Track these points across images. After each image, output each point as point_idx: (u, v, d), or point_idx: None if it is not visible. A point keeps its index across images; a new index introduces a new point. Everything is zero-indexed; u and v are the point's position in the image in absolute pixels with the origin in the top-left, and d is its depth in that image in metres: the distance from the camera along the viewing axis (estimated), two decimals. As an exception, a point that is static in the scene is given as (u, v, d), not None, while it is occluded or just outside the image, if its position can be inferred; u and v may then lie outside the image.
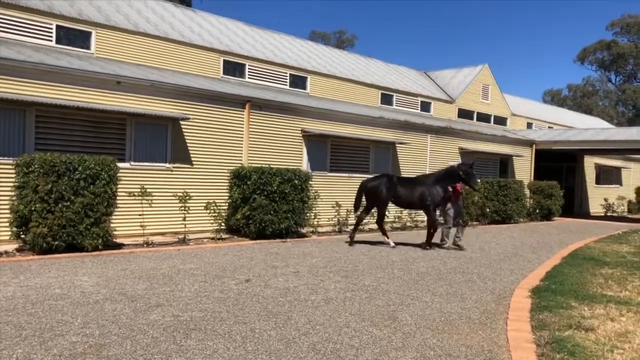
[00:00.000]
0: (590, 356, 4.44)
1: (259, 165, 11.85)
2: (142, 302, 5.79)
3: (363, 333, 4.98)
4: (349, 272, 8.03)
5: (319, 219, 13.32)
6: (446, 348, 4.65)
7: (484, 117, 25.14)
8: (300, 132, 14.34)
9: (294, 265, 8.45)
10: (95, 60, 12.58)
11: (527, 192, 20.31)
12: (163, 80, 11.93)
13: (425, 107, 22.49)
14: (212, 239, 11.20)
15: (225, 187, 12.27)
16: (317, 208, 12.99)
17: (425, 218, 17.56)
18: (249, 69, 16.65)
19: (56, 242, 8.50)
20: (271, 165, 11.97)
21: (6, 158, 9.61)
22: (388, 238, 11.26)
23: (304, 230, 12.67)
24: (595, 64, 66.14)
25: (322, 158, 15.00)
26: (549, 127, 29.62)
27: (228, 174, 12.13)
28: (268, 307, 5.79)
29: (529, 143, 22.96)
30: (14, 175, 8.86)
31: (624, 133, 22.76)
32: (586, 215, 25.73)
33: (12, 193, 8.84)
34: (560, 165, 26.64)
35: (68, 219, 8.54)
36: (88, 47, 13.32)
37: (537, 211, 20.31)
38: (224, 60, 16.11)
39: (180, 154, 11.99)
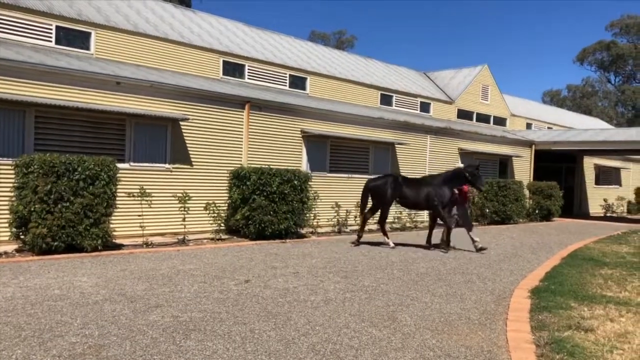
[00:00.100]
0: (590, 357, 4.44)
1: (259, 166, 11.85)
2: (142, 303, 5.79)
3: (362, 334, 4.98)
4: (349, 273, 8.03)
5: (319, 219, 13.32)
6: (446, 349, 4.65)
7: (483, 118, 25.15)
8: (299, 132, 14.34)
9: (294, 266, 8.45)
10: (95, 61, 12.58)
11: (526, 192, 20.32)
12: (162, 81, 11.93)
13: (425, 107, 22.49)
14: (212, 239, 11.20)
15: (224, 188, 12.27)
16: (316, 209, 12.99)
17: (425, 219, 17.71)
18: (248, 69, 16.65)
19: (55, 243, 8.50)
20: (271, 166, 11.97)
21: (5, 159, 9.61)
22: (388, 238, 11.26)
23: (303, 231, 12.67)
24: (594, 64, 66.21)
25: (321, 159, 15.01)
26: (548, 128, 29.63)
27: (227, 175, 12.13)
28: (267, 307, 5.79)
29: (528, 143, 22.98)
30: (13, 176, 8.86)
31: (623, 134, 22.78)
32: (586, 215, 25.74)
33: (12, 194, 8.83)
34: (559, 166, 26.65)
35: (67, 220, 8.54)
36: (87, 48, 13.31)
37: (537, 212, 20.32)
38: (224, 61, 16.11)
39: (180, 155, 11.99)
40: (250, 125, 13.17)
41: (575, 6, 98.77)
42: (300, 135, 14.37)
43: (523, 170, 22.79)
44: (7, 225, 8.93)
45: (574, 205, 26.07)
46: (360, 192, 15.33)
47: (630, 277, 8.28)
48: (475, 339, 4.94)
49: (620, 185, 30.12)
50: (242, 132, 13.06)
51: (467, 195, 11.46)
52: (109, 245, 9.41)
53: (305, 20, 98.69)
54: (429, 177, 11.75)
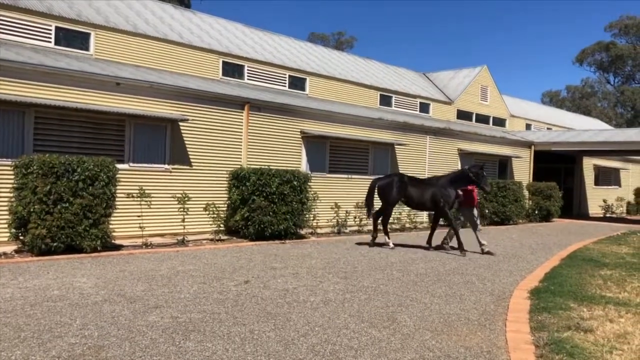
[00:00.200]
0: (589, 357, 4.44)
1: (258, 167, 11.85)
2: (141, 304, 5.79)
3: (362, 334, 4.98)
4: (348, 274, 8.03)
5: (318, 220, 13.33)
6: (445, 349, 4.65)
7: (482, 119, 25.16)
8: (299, 133, 14.34)
9: (293, 267, 8.45)
10: (95, 62, 12.58)
11: (526, 193, 20.32)
12: (162, 82, 11.93)
13: (424, 108, 22.50)
14: (211, 240, 11.20)
15: (224, 189, 12.26)
16: (316, 209, 12.99)
17: (425, 219, 17.72)
18: (248, 70, 16.66)
19: (55, 244, 8.49)
20: (270, 167, 11.97)
21: (5, 159, 9.61)
22: (389, 239, 11.25)
23: (303, 232, 12.67)
24: (593, 65, 66.24)
25: (321, 159, 15.01)
26: (547, 129, 29.65)
27: (227, 175, 12.13)
28: (267, 308, 5.79)
29: (527, 144, 22.99)
30: (12, 177, 8.85)
31: (622, 134, 22.80)
32: (585, 216, 25.75)
33: (11, 194, 8.83)
34: (559, 167, 26.67)
35: (67, 221, 8.54)
36: (87, 49, 13.31)
37: (536, 212, 20.33)
38: (223, 62, 16.11)
39: (179, 155, 11.99)
40: (250, 126, 13.17)
41: (575, 7, 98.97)
42: (300, 136, 14.37)
43: (522, 170, 22.80)
44: (6, 226, 8.92)
45: (573, 206, 26.08)
46: (359, 193, 15.50)
47: (629, 277, 8.28)
48: (474, 340, 4.95)
49: (619, 185, 30.14)
50: (241, 132, 13.06)
51: (476, 199, 11.21)
52: (109, 246, 9.41)
53: (304, 21, 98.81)
54: (434, 178, 11.66)
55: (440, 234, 11.57)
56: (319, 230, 13.35)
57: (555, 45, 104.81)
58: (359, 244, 11.70)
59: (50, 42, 12.71)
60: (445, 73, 26.24)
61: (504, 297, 6.81)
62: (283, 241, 11.52)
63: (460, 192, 11.00)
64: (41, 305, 5.59)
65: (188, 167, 12.12)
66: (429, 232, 11.79)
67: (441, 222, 11.73)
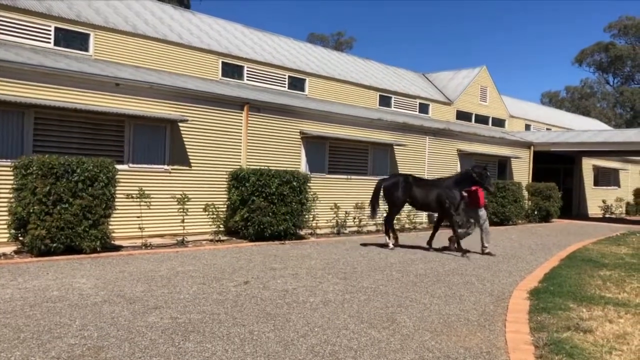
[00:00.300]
0: (589, 358, 4.44)
1: (258, 167, 11.85)
2: (141, 304, 5.79)
3: (362, 335, 4.98)
4: (348, 274, 8.03)
5: (318, 220, 13.33)
6: (445, 350, 4.65)
7: (482, 119, 25.18)
8: (298, 133, 14.35)
9: (293, 267, 8.45)
10: (94, 62, 12.59)
11: (525, 193, 20.33)
12: (162, 82, 11.94)
13: (424, 109, 22.51)
14: (211, 240, 11.20)
15: (223, 189, 12.26)
16: (315, 210, 12.99)
17: (424, 219, 17.72)
18: (247, 71, 16.66)
19: (54, 244, 8.49)
20: (270, 167, 11.97)
21: (4, 160, 9.60)
22: (389, 239, 11.25)
23: (302, 232, 12.67)
24: (593, 65, 66.30)
25: (320, 160, 15.01)
26: (547, 129, 29.67)
27: (226, 176, 12.13)
28: (266, 309, 5.79)
29: (527, 145, 23.00)
30: (12, 178, 8.85)
31: (621, 135, 22.82)
32: (584, 216, 25.77)
33: (10, 195, 8.83)
34: (558, 167, 26.69)
35: (66, 221, 8.54)
36: (87, 49, 13.31)
37: (536, 213, 20.34)
38: (223, 62, 16.11)
39: (179, 156, 11.99)
40: (249, 126, 13.18)
41: (574, 7, 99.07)
42: (299, 137, 14.38)
43: (522, 171, 22.81)
44: (5, 226, 8.93)
45: (572, 207, 26.09)
46: (358, 193, 15.50)
47: (629, 278, 8.29)
48: (474, 340, 4.95)
49: (618, 186, 30.15)
50: (241, 133, 13.06)
51: (484, 200, 11.05)
52: (108, 246, 9.41)
53: (304, 21, 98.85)
54: (439, 179, 11.62)
55: (442, 235, 11.53)
56: (318, 231, 13.35)
57: (555, 46, 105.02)
58: (364, 244, 11.70)
59: (49, 42, 12.71)
60: (444, 73, 26.26)
61: (503, 297, 6.81)
62: (283, 242, 11.53)
63: (465, 194, 10.89)
64: (40, 306, 5.58)
65: (187, 168, 12.12)
66: (428, 232, 11.77)
67: (445, 223, 11.68)
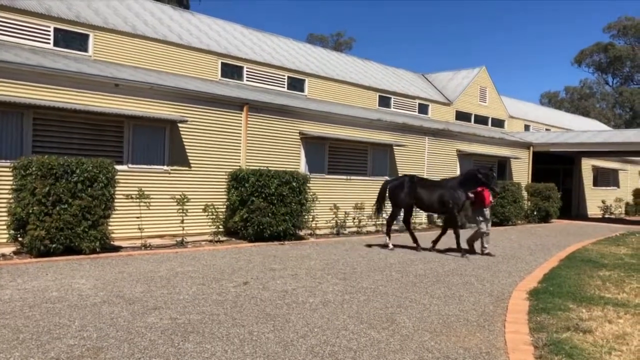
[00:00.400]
0: (588, 358, 4.44)
1: (257, 168, 11.84)
2: (140, 305, 5.78)
3: (361, 336, 4.98)
4: (347, 275, 8.03)
5: (317, 221, 13.32)
6: (444, 350, 4.65)
7: (481, 120, 25.18)
8: (298, 134, 14.35)
9: (292, 268, 8.45)
10: (93, 63, 12.58)
11: (524, 194, 20.35)
12: (161, 83, 11.93)
13: (423, 109, 22.52)
14: (210, 241, 11.19)
15: (223, 190, 12.26)
16: (315, 210, 12.99)
17: (424, 220, 17.73)
18: (247, 71, 16.66)
19: (54, 245, 8.48)
20: (269, 168, 11.97)
21: (4, 161, 9.60)
22: (389, 240, 11.24)
23: (302, 233, 12.67)
24: (592, 66, 66.34)
25: (320, 160, 15.01)
26: (546, 129, 29.69)
27: (226, 177, 12.13)
28: (266, 309, 5.79)
29: (526, 145, 23.01)
30: (11, 178, 8.84)
31: (621, 135, 22.83)
32: (584, 217, 25.78)
33: (10, 196, 8.82)
34: (557, 168, 26.69)
35: (66, 222, 8.53)
36: (86, 50, 13.31)
37: (535, 213, 20.34)
38: (222, 63, 16.11)
39: (178, 157, 11.99)
40: (249, 127, 13.18)
41: (574, 7, 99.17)
42: (299, 137, 14.38)
43: (521, 171, 22.82)
44: (5, 227, 8.92)
45: (572, 207, 26.11)
46: (358, 194, 15.50)
47: (628, 278, 8.29)
48: (473, 341, 4.95)
49: (618, 186, 30.17)
50: (240, 134, 13.06)
51: (489, 199, 10.92)
52: (107, 247, 9.40)
53: (303, 22, 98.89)
54: (444, 180, 11.59)
55: (442, 237, 11.48)
56: (318, 232, 13.35)
57: (555, 46, 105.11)
58: (364, 245, 11.70)
59: (49, 43, 12.71)
60: (444, 74, 26.27)
61: (503, 298, 6.81)
62: (282, 242, 11.52)
63: (471, 195, 10.82)
64: (40, 307, 5.58)
65: (187, 168, 12.12)
66: (428, 233, 11.77)
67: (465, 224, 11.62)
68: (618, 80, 67.22)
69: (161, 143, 11.75)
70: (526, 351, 4.62)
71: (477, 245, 11.08)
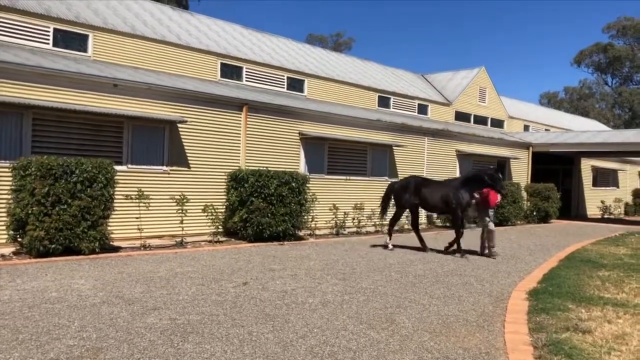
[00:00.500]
0: (588, 358, 4.44)
1: (257, 168, 11.85)
2: (139, 305, 5.78)
3: (361, 336, 4.98)
4: (347, 275, 8.03)
5: (317, 221, 13.33)
6: (444, 351, 4.65)
7: (481, 120, 25.19)
8: (297, 134, 14.35)
9: (292, 268, 8.45)
10: (93, 63, 12.58)
11: (524, 194, 20.35)
12: (160, 83, 11.93)
13: (423, 109, 22.52)
14: (210, 241, 11.19)
15: (222, 190, 12.26)
16: (314, 211, 12.99)
17: (423, 220, 17.73)
18: (246, 71, 16.66)
19: (53, 246, 8.48)
20: (268, 168, 11.97)
21: (3, 161, 9.59)
22: (390, 240, 11.25)
23: (301, 233, 12.67)
24: (591, 66, 66.40)
25: (319, 161, 15.01)
26: (545, 130, 29.70)
27: (225, 177, 12.13)
28: (265, 310, 5.79)
29: (525, 145, 23.02)
30: (10, 179, 8.84)
31: (620, 135, 22.84)
32: (583, 217, 25.79)
33: (9, 196, 8.82)
34: (557, 168, 26.70)
35: (65, 222, 8.53)
36: (85, 50, 13.30)
37: (534, 213, 20.35)
38: (222, 63, 16.11)
39: (178, 157, 11.98)
40: (248, 127, 13.17)
41: (574, 7, 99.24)
42: (298, 138, 14.37)
43: (521, 172, 22.83)
44: (4, 228, 8.92)
45: (571, 207, 26.12)
46: (357, 194, 15.50)
47: (627, 278, 8.29)
48: (473, 341, 4.95)
49: (617, 187, 30.18)
50: (239, 134, 13.06)
51: (496, 201, 10.83)
52: (107, 247, 9.40)
53: (303, 22, 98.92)
54: (448, 180, 11.59)
55: (444, 236, 11.49)
56: (317, 232, 13.35)
57: (555, 46, 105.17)
58: (363, 245, 11.70)
59: (48, 43, 12.70)
60: (443, 74, 26.28)
61: (502, 298, 6.82)
62: (281, 243, 11.52)
63: (477, 196, 10.74)
64: (39, 307, 5.58)
65: (186, 169, 12.11)
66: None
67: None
68: (617, 80, 67.29)
69: (160, 143, 11.75)
70: (525, 351, 4.62)
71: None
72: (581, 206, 26.87)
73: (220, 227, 11.67)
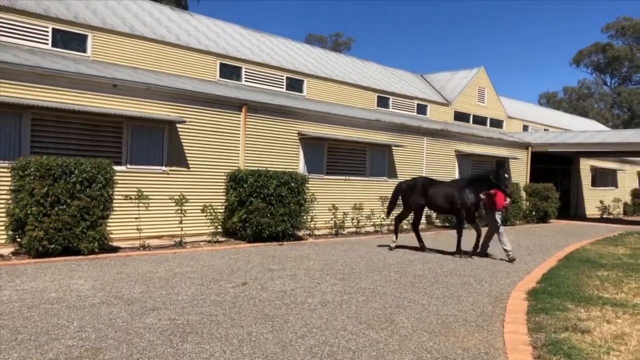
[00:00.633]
0: (587, 358, 4.45)
1: (256, 168, 11.84)
2: (139, 306, 5.78)
3: (360, 336, 4.98)
4: (346, 275, 8.03)
5: (316, 221, 13.33)
6: (443, 351, 4.66)
7: (480, 120, 25.20)
8: (296, 134, 14.34)
9: (291, 268, 8.45)
10: (92, 64, 12.57)
11: (523, 194, 20.36)
12: (159, 84, 11.93)
13: (422, 109, 22.53)
14: (209, 242, 11.19)
15: (221, 190, 12.26)
16: (313, 211, 12.99)
17: (423, 220, 17.70)
18: (245, 72, 16.66)
19: (52, 246, 8.48)
20: (268, 168, 11.97)
21: (2, 161, 9.58)
22: (396, 239, 11.26)
23: (300, 233, 12.67)
24: (590, 66, 66.47)
25: (318, 161, 15.01)
26: (544, 130, 29.72)
27: (225, 177, 12.12)
28: (265, 310, 5.79)
29: (524, 145, 23.03)
30: (9, 179, 8.84)
31: (619, 135, 22.86)
32: (582, 217, 25.81)
33: (8, 196, 8.81)
34: (556, 168, 26.72)
35: (64, 223, 8.52)
36: (84, 50, 13.29)
37: (533, 213, 20.36)
38: (221, 64, 16.11)
39: (177, 157, 11.98)
40: (247, 127, 13.17)
41: (574, 7, 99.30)
42: (297, 138, 14.37)
43: (520, 172, 22.84)
44: (3, 228, 8.91)
45: (570, 207, 26.13)
46: (357, 194, 15.51)
47: (626, 278, 8.30)
48: (472, 341, 4.95)
49: (616, 187, 30.21)
50: (239, 134, 13.05)
51: (503, 204, 10.64)
52: (106, 248, 9.39)
53: (303, 22, 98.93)
54: (454, 180, 11.62)
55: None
56: (316, 232, 13.35)
57: (554, 46, 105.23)
58: (362, 245, 11.70)
59: (47, 44, 12.69)
60: (442, 74, 26.29)
61: (501, 298, 6.82)
62: (281, 243, 11.52)
63: (483, 196, 10.67)
64: (38, 308, 5.57)
65: (185, 169, 12.11)
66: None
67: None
68: (616, 80, 67.35)
69: (160, 144, 11.74)
70: (525, 351, 4.63)
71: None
72: (580, 206, 26.89)
73: (219, 227, 11.67)
